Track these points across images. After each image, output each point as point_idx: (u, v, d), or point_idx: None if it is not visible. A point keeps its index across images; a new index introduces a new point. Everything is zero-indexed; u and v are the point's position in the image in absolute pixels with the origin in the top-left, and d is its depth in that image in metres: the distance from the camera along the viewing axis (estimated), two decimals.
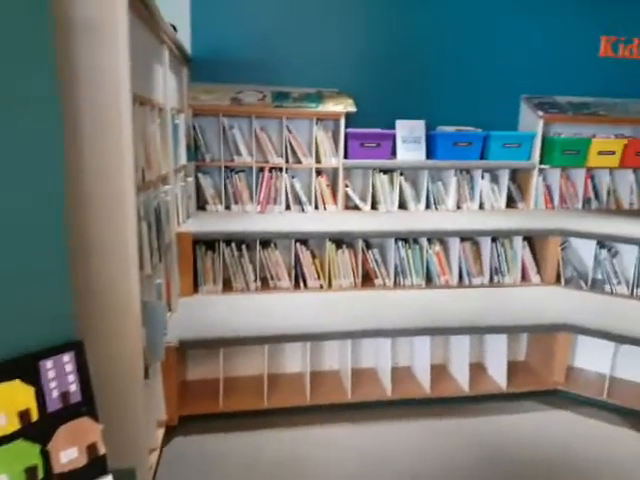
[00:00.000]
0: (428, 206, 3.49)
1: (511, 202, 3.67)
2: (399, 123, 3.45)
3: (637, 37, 3.76)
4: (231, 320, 2.40)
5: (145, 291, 1.87)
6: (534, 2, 3.62)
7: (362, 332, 2.39)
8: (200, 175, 3.18)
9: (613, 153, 3.62)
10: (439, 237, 3.03)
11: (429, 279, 3.03)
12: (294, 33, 3.38)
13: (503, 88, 3.72)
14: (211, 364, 2.57)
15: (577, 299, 2.85)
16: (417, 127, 3.47)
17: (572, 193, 3.69)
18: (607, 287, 2.98)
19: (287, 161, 3.22)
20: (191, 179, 3.03)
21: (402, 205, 3.48)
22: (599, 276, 3.04)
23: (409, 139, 3.46)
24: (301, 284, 2.88)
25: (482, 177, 3.54)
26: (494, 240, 3.07)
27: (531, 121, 3.62)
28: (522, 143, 3.57)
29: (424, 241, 2.98)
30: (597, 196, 3.73)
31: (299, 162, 3.24)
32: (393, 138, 3.39)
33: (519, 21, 3.64)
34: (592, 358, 2.76)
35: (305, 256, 2.86)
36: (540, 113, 3.53)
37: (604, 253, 2.99)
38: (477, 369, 2.81)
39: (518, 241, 3.10)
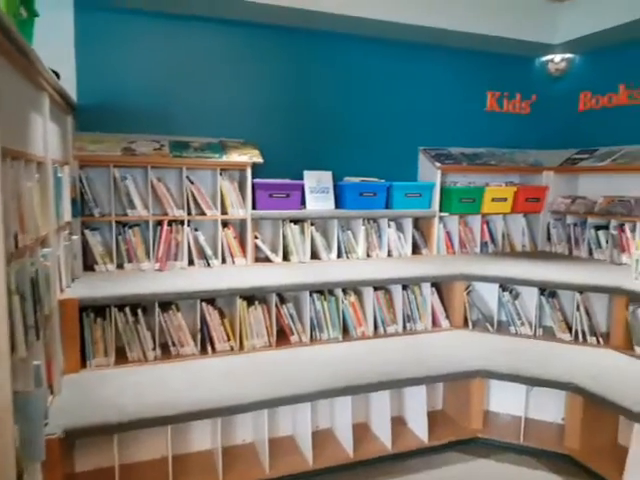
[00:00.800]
0: (340, 255, 3.45)
1: (416, 248, 3.76)
2: (307, 174, 3.42)
3: (518, 92, 4.15)
4: (126, 399, 2.08)
5: (19, 378, 1.54)
6: (425, 61, 3.86)
7: (279, 399, 2.19)
8: (87, 232, 2.84)
9: (505, 200, 3.88)
10: (354, 287, 2.97)
11: (346, 331, 2.94)
12: (193, 82, 3.25)
13: (402, 141, 3.87)
14: (104, 451, 2.21)
15: (486, 342, 2.91)
16: (324, 178, 3.46)
17: (470, 238, 3.87)
18: (512, 328, 3.09)
19: (189, 213, 3.01)
20: (77, 237, 2.69)
21: (314, 255, 3.40)
22: (503, 317, 3.16)
23: (317, 189, 3.43)
24: (209, 348, 2.63)
25: (388, 226, 3.60)
26: (404, 288, 3.08)
27: (429, 171, 3.79)
28: (422, 193, 3.70)
29: (339, 292, 2.90)
30: (493, 240, 3.95)
31: (203, 214, 3.05)
32: (302, 188, 3.34)
33: (415, 79, 3.85)
34: (507, 401, 2.80)
35: (212, 316, 2.63)
36: (437, 164, 3.70)
37: (507, 295, 3.12)
38: (398, 423, 2.72)
39: (427, 287, 3.13)
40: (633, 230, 3.31)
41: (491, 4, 3.56)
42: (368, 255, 3.55)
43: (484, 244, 3.92)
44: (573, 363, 2.58)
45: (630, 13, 3.16)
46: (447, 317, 3.19)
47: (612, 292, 2.77)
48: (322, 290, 2.87)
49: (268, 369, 2.45)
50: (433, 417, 2.79)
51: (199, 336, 2.62)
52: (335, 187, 3.51)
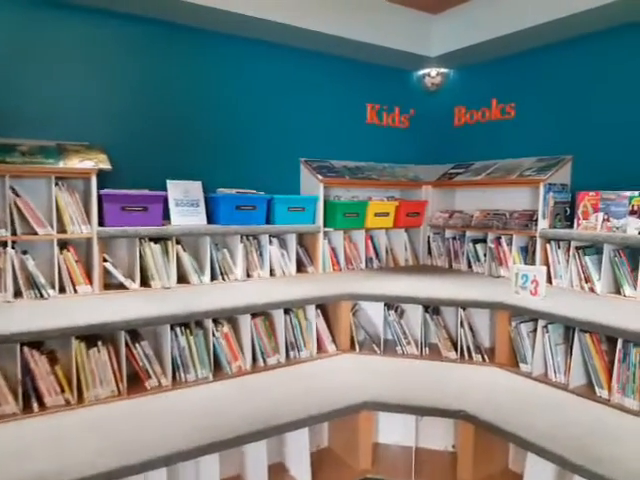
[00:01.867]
0: (214, 277, 3.02)
1: (301, 266, 3.48)
2: (171, 184, 2.96)
3: (397, 106, 4.10)
4: None
5: None
6: (308, 68, 3.63)
7: (122, 469, 1.70)
8: None
9: (387, 214, 3.76)
10: (227, 316, 2.56)
11: (218, 368, 2.52)
12: (26, 72, 2.65)
13: (283, 151, 3.59)
14: None
15: (373, 367, 2.69)
16: (193, 189, 3.03)
17: (356, 254, 3.68)
18: (399, 348, 2.90)
19: (14, 233, 2.39)
20: None
21: (182, 279, 2.94)
22: (390, 336, 2.97)
23: (184, 202, 2.99)
24: (35, 404, 2.04)
25: (270, 242, 3.26)
26: (287, 312, 2.75)
27: (311, 184, 3.54)
28: (306, 207, 3.43)
29: (209, 323, 2.47)
30: (377, 255, 3.80)
31: (33, 233, 2.44)
32: (164, 201, 2.87)
33: (298, 86, 3.60)
34: (396, 432, 2.58)
35: (39, 364, 2.05)
36: (320, 177, 3.47)
37: (392, 314, 2.93)
38: (278, 471, 2.36)
39: (312, 310, 2.84)
40: (509, 243, 3.35)
41: (369, 12, 3.44)
42: (248, 275, 3.18)
43: (369, 260, 3.76)
44: (461, 386, 2.44)
45: (501, 28, 3.23)
46: (333, 341, 2.92)
47: (494, 307, 2.71)
48: (187, 322, 2.43)
49: (112, 427, 1.94)
50: (318, 458, 2.48)
51: (21, 390, 2.02)
52: (207, 200, 3.09)
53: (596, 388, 2.27)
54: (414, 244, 4.03)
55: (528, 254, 3.25)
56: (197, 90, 3.20)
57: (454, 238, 3.77)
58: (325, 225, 3.53)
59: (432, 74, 4.14)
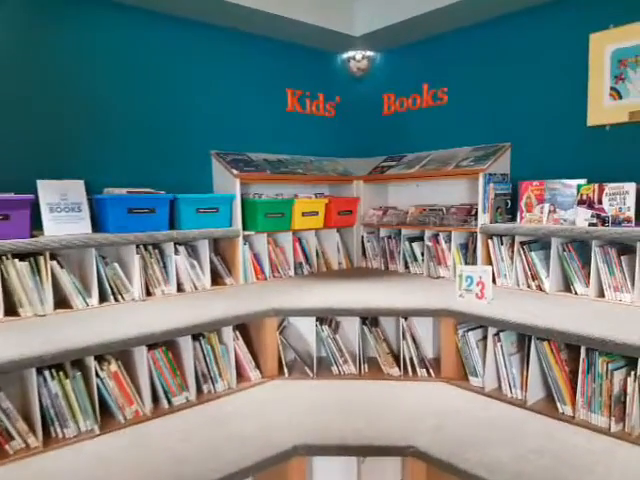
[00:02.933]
0: (104, 298, 2.46)
1: (218, 278, 2.98)
2: (43, 184, 2.36)
3: (321, 92, 3.71)
4: None
5: None
6: (220, 46, 3.14)
7: None
8: None
9: (317, 214, 3.35)
10: (116, 350, 2.02)
11: (107, 417, 1.98)
12: None
13: (189, 143, 3.07)
14: None
15: (305, 395, 2.26)
16: (73, 189, 2.45)
17: (282, 260, 3.24)
18: (334, 368, 2.50)
19: None
20: None
21: (63, 302, 2.36)
22: (324, 354, 2.56)
23: (62, 206, 2.40)
24: None
25: (176, 251, 2.75)
26: (196, 338, 2.25)
27: (226, 181, 3.05)
28: (220, 207, 2.94)
29: (91, 361, 1.93)
30: (307, 260, 3.39)
31: None
32: (32, 206, 2.26)
33: (207, 66, 3.09)
34: (335, 477, 2.16)
35: None
36: (235, 171, 2.99)
37: (326, 329, 2.52)
38: None
39: (228, 332, 2.36)
40: (448, 240, 3.05)
41: None
42: (149, 293, 2.64)
43: (298, 265, 3.34)
44: (408, 411, 2.07)
45: (428, 3, 2.91)
46: (257, 366, 2.46)
47: (438, 315, 2.37)
48: (61, 363, 1.87)
49: None
50: None
51: None
52: (91, 202, 2.52)
53: (558, 404, 1.99)
54: (347, 245, 3.66)
55: (468, 252, 2.97)
56: (76, 68, 2.61)
57: (389, 237, 3.43)
58: (245, 228, 3.06)
59: (357, 57, 3.78)
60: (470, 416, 2.01)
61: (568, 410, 1.95)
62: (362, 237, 3.61)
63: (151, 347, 2.08)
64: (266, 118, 3.42)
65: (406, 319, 2.44)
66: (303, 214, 3.27)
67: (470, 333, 2.29)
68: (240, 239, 3.00)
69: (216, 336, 2.32)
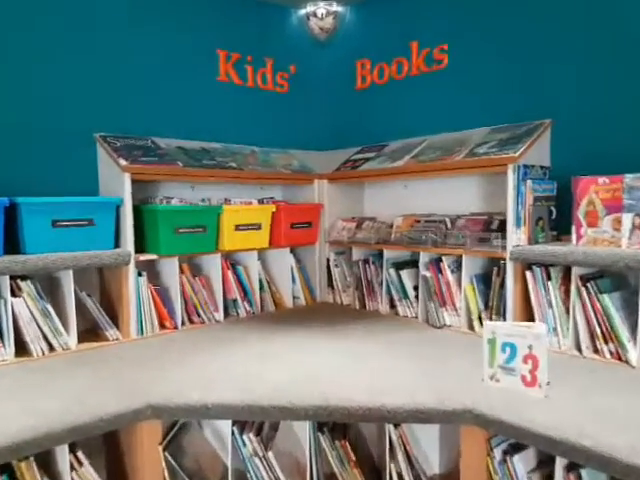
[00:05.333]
0: None
1: (96, 330, 1.88)
2: None
3: (269, 57, 2.62)
4: None
5: None
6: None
7: None
8: None
9: (258, 227, 2.26)
10: None
11: None
12: None
13: (58, 121, 1.96)
14: None
15: None
16: None
17: (206, 297, 2.14)
18: None
19: None
20: None
21: None
22: None
23: None
24: None
25: (16, 290, 1.63)
26: None
27: (113, 179, 1.94)
28: (96, 217, 1.83)
29: None
30: (246, 294, 2.29)
31: None
32: None
33: (81, 13, 1.99)
34: None
35: None
36: (122, 162, 1.88)
37: (250, 442, 1.43)
38: None
39: (63, 455, 1.25)
40: (456, 269, 2.01)
41: None
42: None
43: (232, 303, 2.25)
44: None
45: None
46: None
47: (455, 420, 1.30)
48: None
49: None
50: None
51: None
52: None
53: None
54: (307, 272, 2.58)
55: (492, 289, 1.92)
56: None
57: (366, 261, 2.37)
58: (142, 250, 1.97)
59: (320, 13, 2.72)
60: None
61: None
62: (327, 260, 2.54)
63: None
64: (184, 89, 2.32)
65: (397, 427, 1.36)
66: (237, 228, 2.18)
67: (517, 458, 1.23)
68: (131, 268, 1.89)
69: (33, 468, 1.20)
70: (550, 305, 1.71)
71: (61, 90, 1.97)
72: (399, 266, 2.20)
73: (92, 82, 2.05)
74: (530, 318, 1.77)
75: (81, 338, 1.82)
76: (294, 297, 2.49)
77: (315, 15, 2.74)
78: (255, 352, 1.69)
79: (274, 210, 2.32)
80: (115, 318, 1.91)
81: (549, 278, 1.71)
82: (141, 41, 2.17)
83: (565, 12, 1.91)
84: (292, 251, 2.47)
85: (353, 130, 2.72)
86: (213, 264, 2.17)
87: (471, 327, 1.98)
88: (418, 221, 2.23)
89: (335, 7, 2.73)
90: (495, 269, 1.89)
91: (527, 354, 1.34)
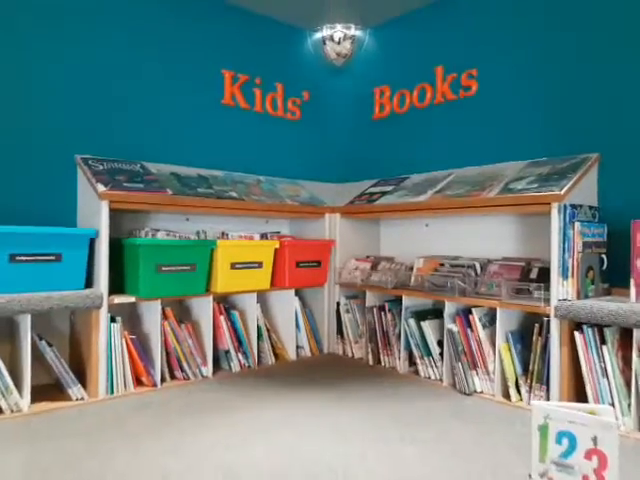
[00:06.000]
0: None
1: (58, 390, 1.58)
2: None
3: (280, 82, 2.41)
4: None
5: None
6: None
7: None
8: None
9: (259, 265, 1.98)
10: None
11: None
12: None
13: (38, 142, 1.74)
14: None
15: None
16: None
17: (192, 347, 1.84)
18: None
19: None
20: None
21: None
22: None
23: None
24: None
25: None
26: None
27: (92, 206, 1.69)
28: (64, 252, 1.57)
29: None
30: (241, 345, 1.99)
31: None
32: None
33: (68, 25, 1.80)
34: None
35: None
36: (100, 187, 1.63)
37: None
38: None
39: None
40: (488, 324, 1.69)
41: None
42: None
43: (224, 355, 1.94)
44: None
45: None
46: None
47: None
48: None
49: None
50: None
51: None
52: None
53: None
54: (314, 317, 2.27)
55: (533, 351, 1.59)
56: None
57: (381, 308, 2.05)
58: (120, 290, 1.70)
59: (337, 37, 2.53)
60: None
61: None
62: (337, 304, 2.23)
63: None
64: (183, 111, 2.10)
65: None
66: (233, 266, 1.90)
67: None
68: (102, 312, 1.61)
69: None
70: (605, 374, 1.38)
71: (43, 105, 1.76)
72: (420, 316, 1.89)
73: (78, 99, 1.84)
74: (580, 389, 1.44)
75: (38, 397, 1.53)
76: (298, 347, 2.18)
77: (332, 39, 2.55)
78: (240, 430, 1.37)
79: (277, 246, 2.05)
80: (83, 373, 1.62)
81: (603, 341, 1.38)
82: (135, 56, 1.97)
83: (617, 30, 1.65)
84: (297, 293, 2.17)
85: (369, 161, 2.47)
86: (203, 308, 1.89)
87: (507, 395, 1.64)
88: (442, 264, 1.93)
89: (353, 31, 2.53)
90: (536, 326, 1.57)
91: (591, 448, 1.01)
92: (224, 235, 2.03)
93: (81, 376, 1.60)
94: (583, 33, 1.74)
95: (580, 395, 1.48)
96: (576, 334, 1.45)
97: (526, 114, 1.88)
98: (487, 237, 1.91)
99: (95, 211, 1.65)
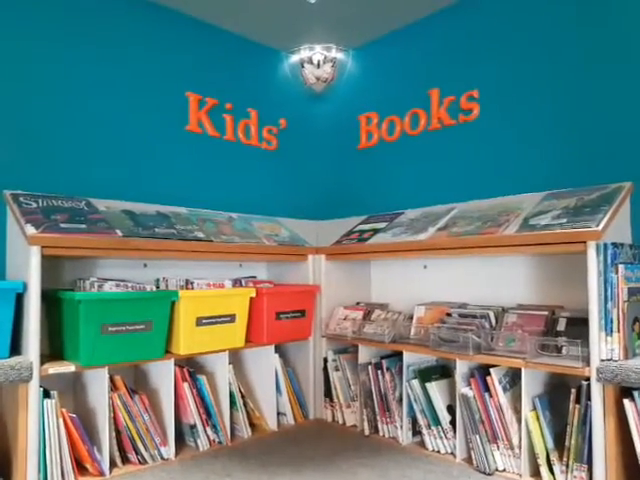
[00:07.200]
0: None
1: None
2: None
3: (253, 109, 2.15)
4: None
5: None
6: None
7: None
8: None
9: (231, 319, 1.66)
10: None
11: None
12: None
13: None
14: None
15: None
16: None
17: (149, 422, 1.49)
18: None
19: None
20: None
21: None
22: None
23: None
24: None
25: None
26: None
27: (23, 254, 1.36)
28: None
29: None
30: (210, 417, 1.63)
31: None
32: None
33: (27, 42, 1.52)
34: None
35: None
36: (30, 230, 1.30)
37: None
38: None
39: None
40: (509, 386, 1.40)
41: None
42: None
43: (189, 431, 1.59)
44: None
45: None
46: None
47: None
48: None
49: None
50: None
51: None
52: None
53: None
54: (297, 377, 1.94)
55: (570, 422, 1.30)
56: None
57: (378, 366, 1.74)
58: (59, 357, 1.36)
59: (316, 60, 2.31)
60: None
61: None
62: (325, 361, 1.91)
63: None
64: (140, 137, 1.81)
65: None
66: (200, 321, 1.57)
67: None
68: (32, 386, 1.25)
69: None
70: None
71: None
72: (425, 376, 1.59)
73: (8, 124, 1.52)
74: (633, 468, 1.15)
75: None
76: (279, 414, 1.83)
77: (311, 62, 2.32)
78: None
79: (253, 295, 1.73)
80: (8, 464, 1.25)
81: None
82: (81, 75, 1.69)
83: None
84: (277, 350, 1.84)
85: (356, 196, 2.21)
86: (162, 374, 1.55)
87: (536, 473, 1.35)
88: (448, 313, 1.64)
89: (334, 53, 2.31)
90: (573, 392, 1.29)
91: None
92: (188, 284, 1.70)
93: (5, 469, 1.23)
94: (610, 40, 1.54)
95: (633, 477, 1.20)
96: (625, 402, 1.17)
97: (539, 139, 1.66)
98: (497, 281, 1.65)
99: (24, 259, 1.32)
